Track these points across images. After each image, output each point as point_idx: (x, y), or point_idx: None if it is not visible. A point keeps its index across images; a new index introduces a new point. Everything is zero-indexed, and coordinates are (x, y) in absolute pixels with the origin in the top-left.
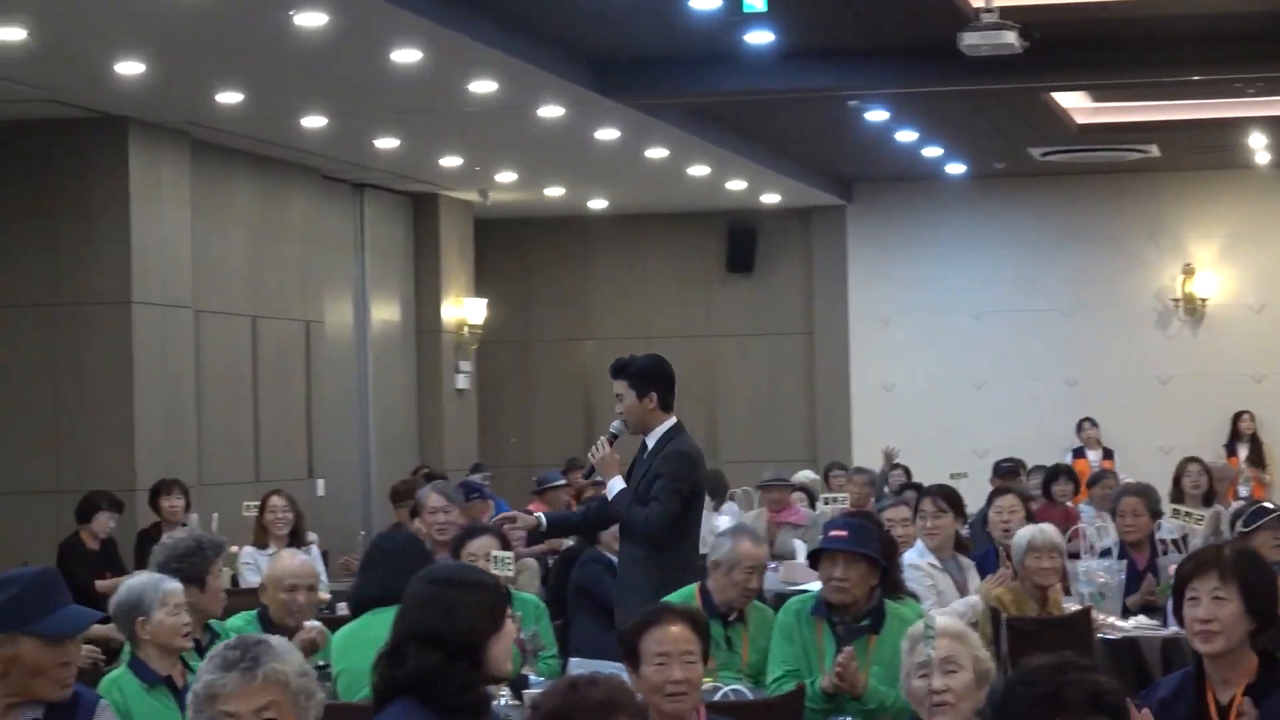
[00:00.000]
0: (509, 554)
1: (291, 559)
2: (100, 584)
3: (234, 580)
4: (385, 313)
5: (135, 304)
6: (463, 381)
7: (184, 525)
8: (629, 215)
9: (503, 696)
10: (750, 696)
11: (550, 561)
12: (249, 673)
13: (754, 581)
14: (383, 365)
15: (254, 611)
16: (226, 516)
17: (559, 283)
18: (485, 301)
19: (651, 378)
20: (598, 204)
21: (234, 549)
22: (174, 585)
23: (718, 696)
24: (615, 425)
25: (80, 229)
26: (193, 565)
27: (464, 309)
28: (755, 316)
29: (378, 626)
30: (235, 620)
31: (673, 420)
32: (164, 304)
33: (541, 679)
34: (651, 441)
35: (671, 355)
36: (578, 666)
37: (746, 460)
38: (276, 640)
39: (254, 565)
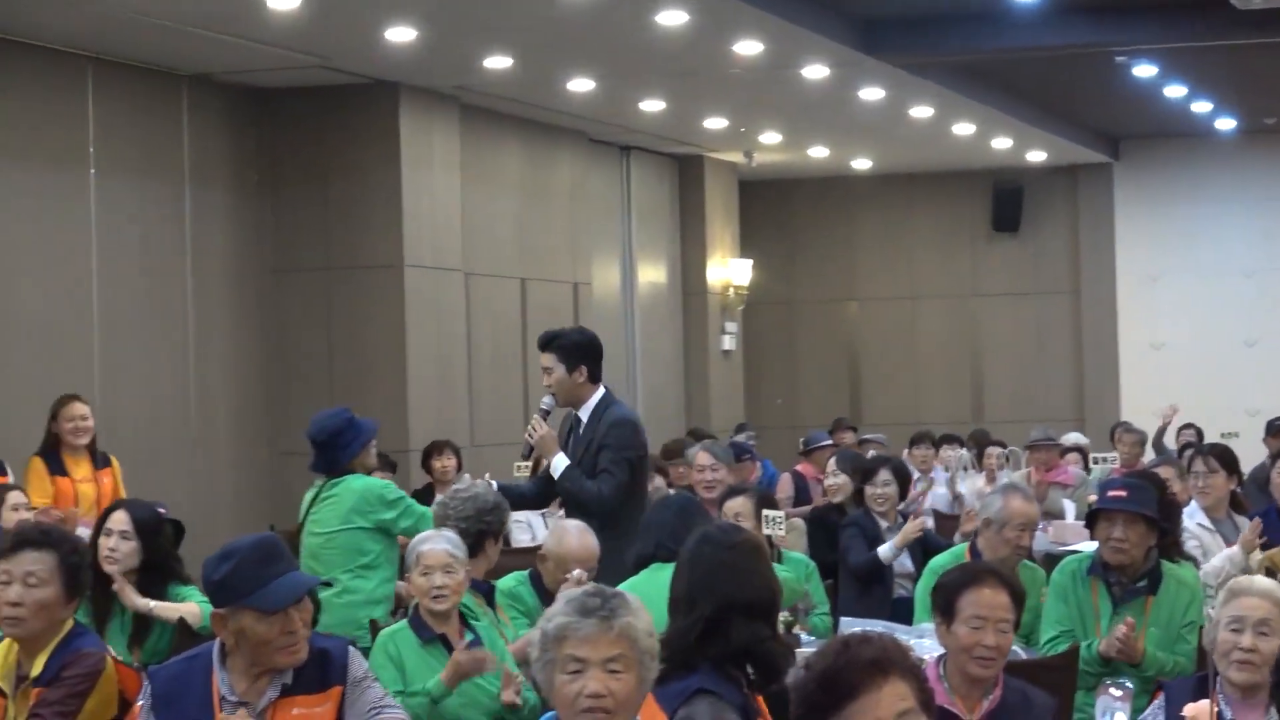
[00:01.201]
0: (780, 513)
1: (578, 540)
2: None
3: (505, 539)
4: (652, 274)
5: (407, 267)
6: (728, 343)
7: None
8: (893, 175)
9: None
10: (1023, 656)
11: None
12: (606, 621)
13: (1025, 540)
14: (649, 327)
15: (525, 572)
16: (498, 477)
17: (823, 243)
18: (750, 263)
19: (581, 351)
20: (861, 164)
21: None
22: (429, 546)
23: None
24: (546, 401)
25: (353, 194)
26: (493, 522)
27: (729, 270)
28: (1021, 276)
29: (659, 584)
30: (507, 580)
31: (602, 390)
32: (435, 267)
33: (813, 638)
34: (585, 414)
35: (936, 315)
36: (849, 625)
37: (1012, 420)
38: (632, 596)
39: (524, 524)
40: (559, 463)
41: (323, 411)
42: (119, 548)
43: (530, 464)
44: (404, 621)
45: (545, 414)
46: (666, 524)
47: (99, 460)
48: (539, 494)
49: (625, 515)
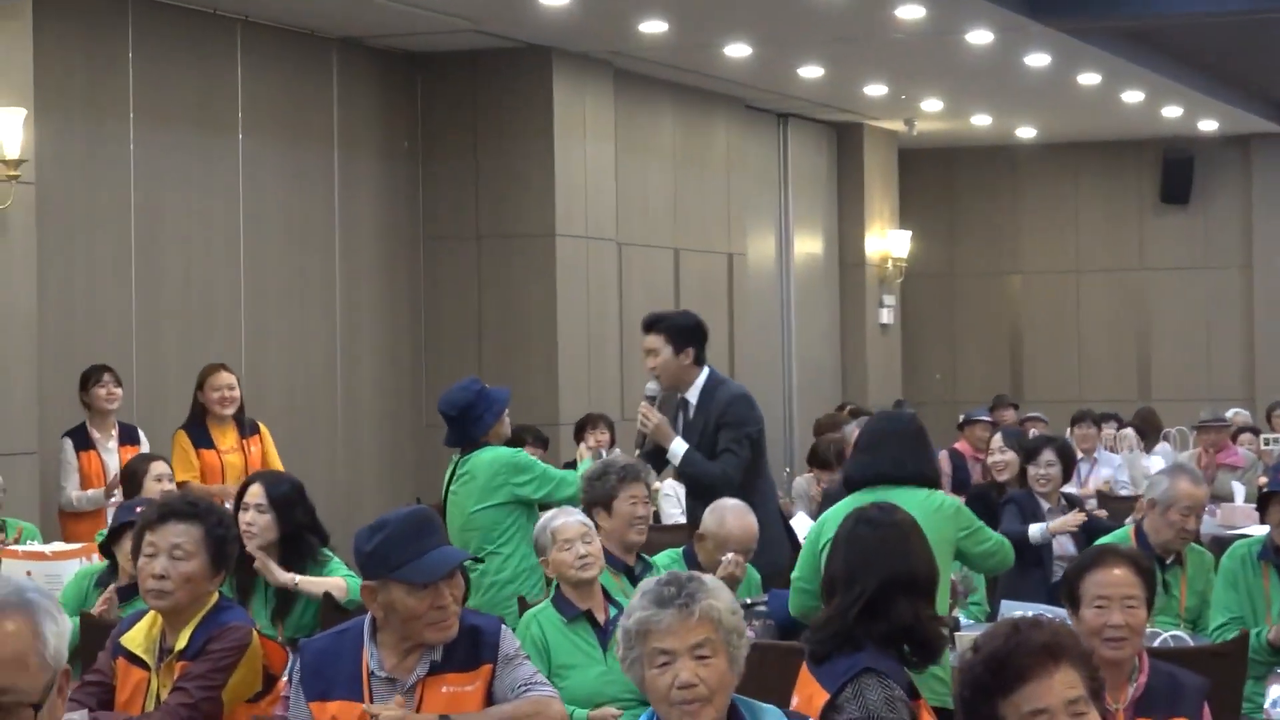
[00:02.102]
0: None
1: (738, 522)
2: None
3: (655, 516)
4: (808, 245)
5: (559, 237)
6: (886, 316)
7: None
8: (1058, 144)
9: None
10: (1190, 643)
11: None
12: (684, 609)
13: (1191, 523)
14: (805, 299)
15: (679, 550)
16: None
17: (985, 214)
18: (909, 234)
19: (688, 332)
20: (1026, 132)
21: (657, 485)
22: (562, 520)
23: (1156, 643)
24: (651, 387)
25: (504, 161)
26: (596, 489)
27: (888, 241)
28: (1191, 249)
29: (863, 500)
30: (661, 557)
31: (707, 370)
32: (588, 236)
33: (971, 622)
34: (694, 396)
35: (1102, 290)
36: (1010, 609)
37: (1180, 399)
38: (709, 577)
39: (675, 498)
40: (678, 448)
41: (454, 384)
42: (255, 521)
43: (638, 439)
44: (547, 602)
45: (653, 399)
46: (907, 444)
47: (246, 429)
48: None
49: (748, 492)
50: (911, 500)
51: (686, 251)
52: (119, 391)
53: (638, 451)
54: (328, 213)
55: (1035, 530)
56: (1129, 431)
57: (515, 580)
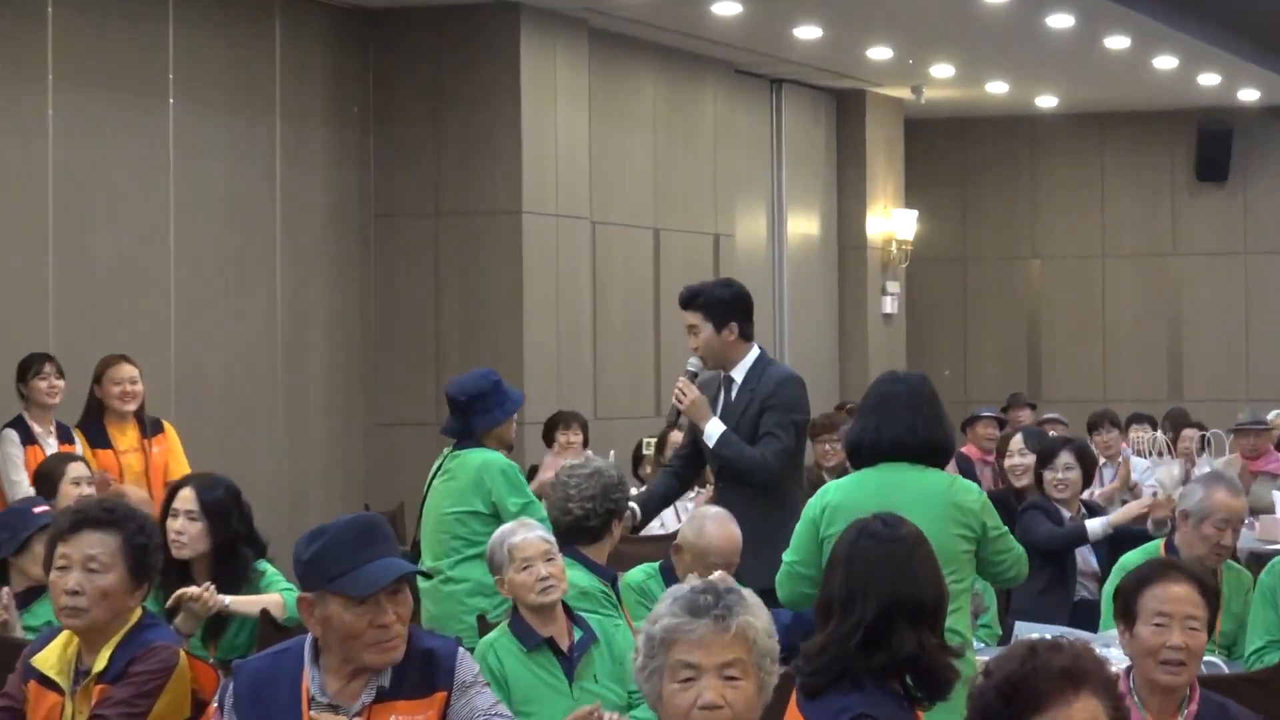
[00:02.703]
0: None
1: (719, 531)
2: None
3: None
4: (803, 225)
5: (527, 214)
6: (890, 304)
7: None
8: (1082, 115)
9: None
10: (1225, 669)
11: None
12: (721, 622)
13: (1227, 537)
14: (799, 285)
15: (656, 564)
16: (625, 454)
17: (1001, 192)
18: (916, 214)
19: (729, 305)
20: (1046, 102)
21: (632, 493)
22: (522, 537)
23: None
24: (693, 363)
25: (466, 130)
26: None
27: (892, 222)
28: (1229, 232)
29: (872, 483)
30: (634, 573)
31: (756, 349)
32: (558, 214)
33: (981, 645)
34: (739, 375)
35: (1129, 276)
36: (1026, 631)
37: (1216, 399)
38: (748, 592)
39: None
40: (713, 428)
41: (469, 371)
42: (186, 530)
43: (655, 441)
44: (502, 628)
45: (693, 377)
46: (921, 408)
47: (148, 428)
48: (678, 483)
49: (784, 484)
50: (933, 486)
51: (668, 232)
52: (60, 384)
53: (648, 439)
54: (269, 187)
55: (1096, 525)
56: (1158, 434)
57: (478, 594)
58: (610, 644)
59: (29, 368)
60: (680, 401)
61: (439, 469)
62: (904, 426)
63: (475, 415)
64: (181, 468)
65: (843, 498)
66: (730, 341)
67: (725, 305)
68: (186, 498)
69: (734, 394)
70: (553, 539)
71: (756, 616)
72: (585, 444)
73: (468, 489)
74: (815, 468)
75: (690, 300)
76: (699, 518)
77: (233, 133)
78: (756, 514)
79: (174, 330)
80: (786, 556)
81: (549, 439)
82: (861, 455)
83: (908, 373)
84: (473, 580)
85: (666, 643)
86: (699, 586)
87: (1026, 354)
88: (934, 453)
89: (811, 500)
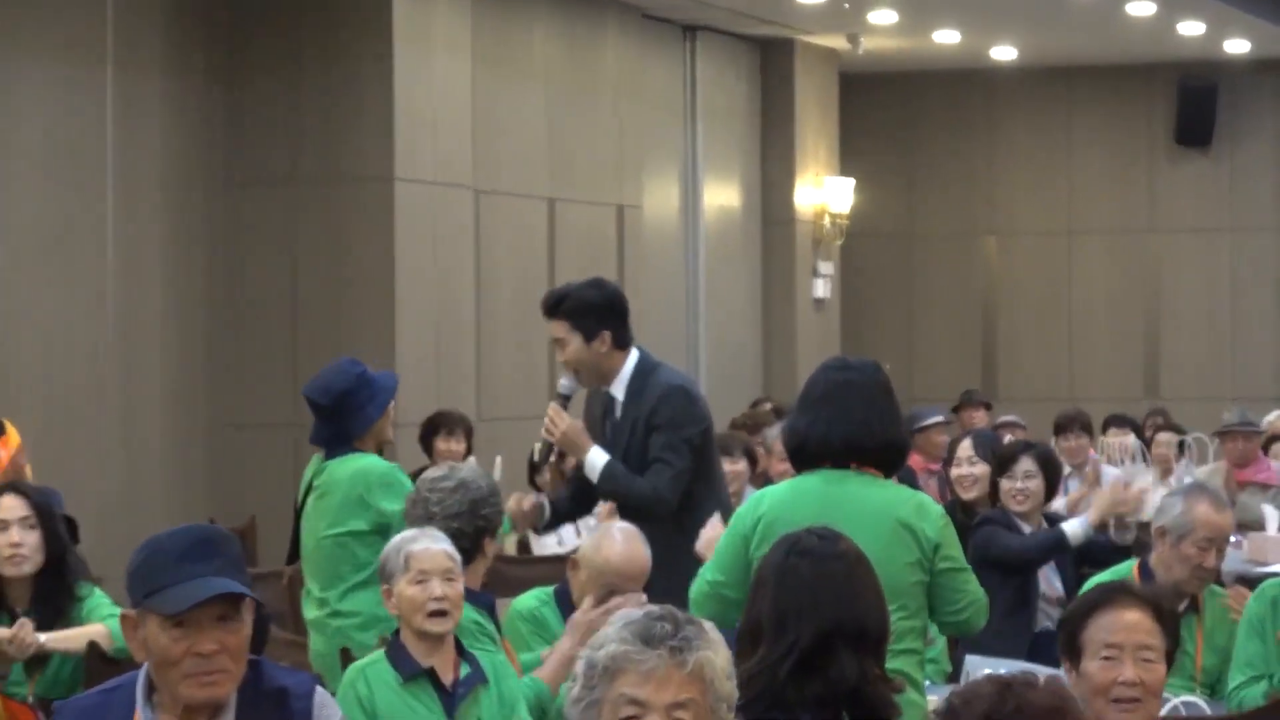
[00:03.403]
0: None
1: (623, 549)
2: None
3: (521, 545)
4: (722, 196)
5: (399, 181)
6: (822, 288)
7: None
8: (1046, 69)
9: None
10: (1207, 711)
11: None
12: (678, 655)
13: (1210, 559)
14: (718, 265)
15: (550, 589)
16: (514, 463)
17: (952, 159)
18: (853, 183)
19: (600, 311)
20: (1004, 53)
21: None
22: (424, 546)
23: (1165, 710)
24: (564, 384)
25: (330, 84)
26: (485, 520)
27: (825, 192)
28: (1213, 205)
29: (814, 495)
30: (525, 599)
31: (635, 355)
32: (436, 182)
33: (928, 681)
34: (620, 391)
35: (1101, 255)
36: (977, 667)
37: (1198, 398)
38: (710, 625)
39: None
40: (594, 459)
41: (326, 367)
42: (24, 541)
43: (542, 450)
44: (378, 653)
45: (565, 400)
46: (878, 402)
47: None
48: (578, 498)
49: (695, 507)
50: (885, 504)
51: (564, 203)
52: None
53: (538, 444)
54: (98, 147)
55: (1076, 527)
56: (1131, 438)
57: (369, 627)
58: (500, 687)
59: None
60: (551, 434)
61: (309, 484)
62: (859, 423)
63: (346, 419)
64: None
65: (780, 511)
66: (603, 353)
67: (595, 311)
68: (13, 506)
69: (618, 413)
70: (459, 558)
71: (717, 653)
72: (468, 452)
73: (342, 506)
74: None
75: (555, 308)
76: (603, 531)
77: (56, 83)
78: (663, 536)
79: None
80: (708, 574)
81: (428, 445)
82: (806, 456)
83: (859, 359)
84: (365, 613)
85: (611, 672)
86: (655, 612)
87: (981, 346)
88: (891, 454)
89: (741, 510)
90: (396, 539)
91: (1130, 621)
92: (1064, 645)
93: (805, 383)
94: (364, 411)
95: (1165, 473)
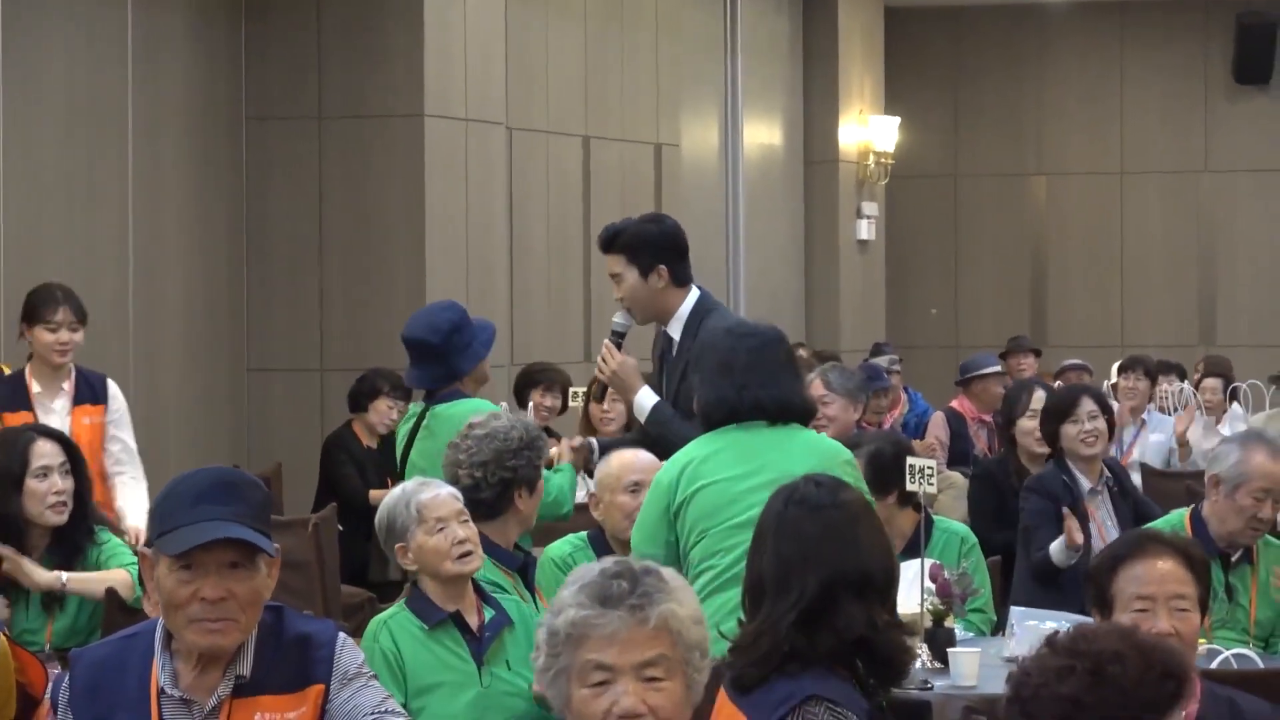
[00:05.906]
0: (930, 462)
1: (630, 454)
2: (375, 495)
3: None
4: (763, 135)
5: (429, 118)
6: (865, 229)
7: None
8: (1099, 3)
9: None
10: (1259, 664)
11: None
12: (639, 613)
13: (1266, 509)
14: (758, 206)
15: (584, 534)
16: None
17: (1000, 96)
18: (898, 121)
19: (657, 245)
20: None
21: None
22: (432, 494)
23: (1216, 663)
24: (619, 319)
25: (358, 18)
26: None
27: (869, 130)
28: (1272, 145)
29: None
30: (559, 546)
31: (695, 293)
32: (468, 118)
33: (970, 635)
34: (676, 331)
35: (1155, 196)
36: (1024, 619)
37: (1257, 344)
38: (670, 572)
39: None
40: (643, 400)
41: (424, 308)
42: (66, 489)
43: (587, 391)
44: (398, 605)
45: (619, 337)
46: (790, 369)
47: None
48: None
49: None
50: (833, 445)
51: (600, 140)
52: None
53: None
54: (120, 85)
55: (1056, 551)
56: (1185, 386)
57: None
58: (525, 628)
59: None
60: (602, 372)
61: (414, 427)
62: (788, 387)
63: (454, 356)
64: None
65: (707, 450)
66: (659, 289)
67: (652, 245)
68: (52, 451)
69: (674, 352)
70: (462, 499)
71: (681, 603)
72: (563, 408)
73: None
74: None
75: (611, 241)
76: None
77: (76, 22)
78: None
79: (4, 256)
80: (636, 546)
81: (521, 398)
82: (719, 420)
83: (758, 323)
84: None
85: (573, 639)
86: (610, 569)
87: (1030, 290)
88: (810, 417)
89: (665, 465)
90: (395, 493)
91: (1162, 571)
92: (1094, 597)
93: (713, 350)
94: (471, 348)
95: (1214, 420)
